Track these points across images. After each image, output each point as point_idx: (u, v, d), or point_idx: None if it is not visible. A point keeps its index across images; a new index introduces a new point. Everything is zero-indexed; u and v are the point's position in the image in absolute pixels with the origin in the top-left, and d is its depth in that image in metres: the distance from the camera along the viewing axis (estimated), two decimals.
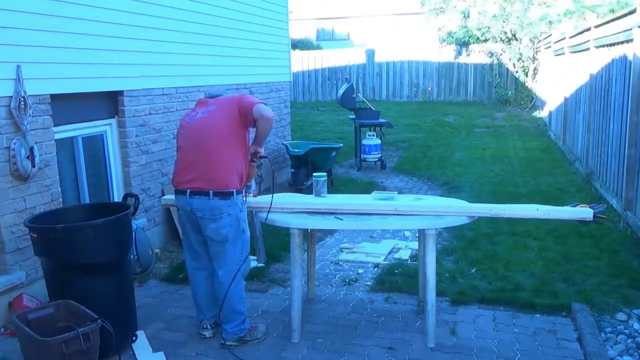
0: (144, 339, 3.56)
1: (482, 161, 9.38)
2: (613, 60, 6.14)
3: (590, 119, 7.30)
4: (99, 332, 2.87)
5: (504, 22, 16.44)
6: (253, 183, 3.74)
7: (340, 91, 9.44)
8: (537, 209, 3.47)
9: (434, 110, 15.99)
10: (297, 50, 20.25)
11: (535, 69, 16.11)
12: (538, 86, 15.54)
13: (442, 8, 18.09)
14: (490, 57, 17.18)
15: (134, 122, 4.92)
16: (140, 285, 4.43)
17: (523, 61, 16.36)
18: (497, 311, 3.88)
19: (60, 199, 4.14)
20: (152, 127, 5.17)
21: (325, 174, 3.97)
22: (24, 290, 3.78)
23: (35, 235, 3.20)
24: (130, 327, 3.49)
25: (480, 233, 5.46)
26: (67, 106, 4.25)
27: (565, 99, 9.55)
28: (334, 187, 7.59)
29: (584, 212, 3.37)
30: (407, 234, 5.71)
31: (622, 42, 5.72)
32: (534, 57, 16.09)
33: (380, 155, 9.18)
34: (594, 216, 3.35)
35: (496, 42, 16.97)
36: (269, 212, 3.52)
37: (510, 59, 16.63)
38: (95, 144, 4.73)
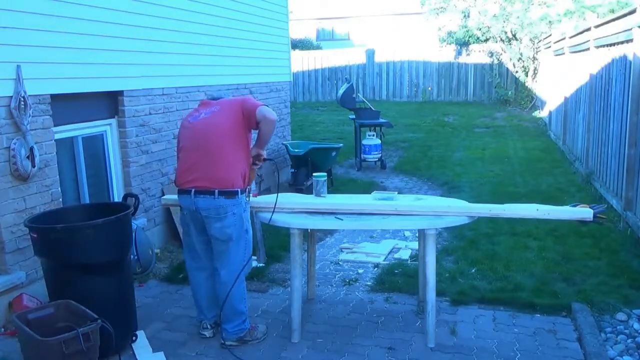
0: (144, 339, 3.56)
1: (482, 161, 9.38)
2: (613, 60, 6.14)
3: (590, 119, 7.30)
4: (99, 332, 2.87)
5: (504, 22, 16.44)
6: (253, 183, 3.74)
7: (340, 91, 9.44)
8: (537, 209, 3.47)
9: (434, 110, 15.99)
10: (297, 50, 20.25)
11: (535, 69, 16.11)
12: (538, 86, 15.54)
13: (442, 8, 18.08)
14: (491, 57, 17.18)
15: (134, 122, 4.92)
16: (140, 285, 4.43)
17: (523, 61, 16.36)
18: (497, 311, 3.88)
19: (60, 199, 4.14)
20: (152, 127, 5.17)
21: (325, 174, 3.97)
22: (24, 290, 3.78)
23: (35, 235, 3.21)
24: (130, 327, 3.49)
25: (480, 233, 5.46)
26: (67, 106, 4.25)
27: (565, 99, 9.55)
28: (334, 187, 7.59)
29: (584, 212, 3.37)
30: (407, 234, 5.71)
31: (622, 42, 5.72)
32: (534, 57, 16.09)
33: (380, 155, 9.18)
34: (594, 216, 3.35)
35: (496, 42, 16.97)
36: (273, 212, 3.52)
37: (510, 59, 16.63)
38: (95, 144, 4.73)
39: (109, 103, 4.76)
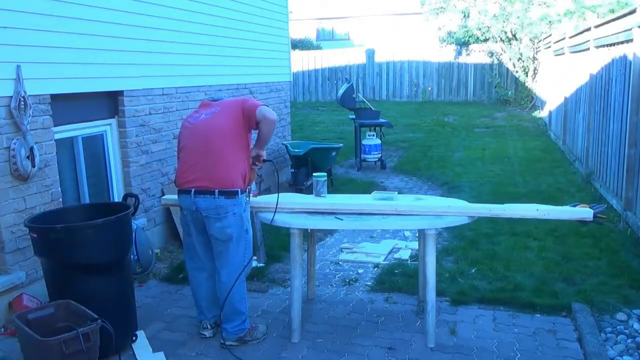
0: (144, 339, 3.56)
1: (482, 161, 9.38)
2: (613, 60, 6.14)
3: (590, 119, 7.30)
4: (99, 332, 2.87)
5: (504, 22, 16.43)
6: (253, 183, 3.74)
7: (340, 91, 9.44)
8: (537, 209, 3.47)
9: (434, 110, 15.99)
10: (297, 50, 20.25)
11: (535, 69, 16.11)
12: (538, 86, 15.54)
13: (442, 8, 18.07)
14: (490, 57, 17.18)
15: (134, 122, 4.92)
16: (140, 285, 4.43)
17: (523, 61, 16.36)
18: (497, 311, 3.88)
19: (60, 199, 4.14)
20: (152, 127, 5.17)
21: (325, 174, 3.97)
22: (24, 290, 3.78)
23: (35, 235, 3.20)
24: (130, 327, 3.49)
25: (480, 233, 5.46)
26: (67, 106, 4.25)
27: (565, 98, 9.55)
28: (334, 187, 7.59)
29: (584, 212, 3.37)
30: (407, 234, 5.71)
31: (622, 42, 5.72)
32: (534, 57, 16.09)
33: (380, 155, 9.18)
34: (594, 216, 3.34)
35: (496, 42, 16.97)
36: (275, 212, 3.52)
37: (510, 59, 16.63)
38: (95, 144, 4.73)
39: (109, 103, 4.76)
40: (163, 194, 5.24)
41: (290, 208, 3.67)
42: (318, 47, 23.10)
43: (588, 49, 7.46)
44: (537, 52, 15.95)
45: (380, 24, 26.86)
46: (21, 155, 3.68)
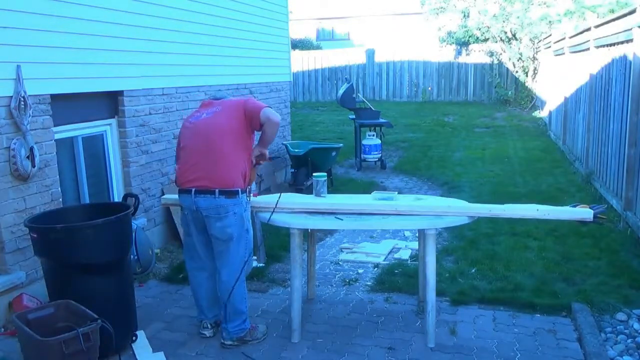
0: (144, 339, 3.56)
1: (482, 161, 9.38)
2: (613, 60, 6.14)
3: (590, 119, 7.30)
4: (99, 332, 2.87)
5: (504, 22, 16.43)
6: (253, 183, 3.74)
7: (340, 91, 9.44)
8: (537, 209, 3.47)
9: (434, 110, 15.99)
10: (297, 50, 20.25)
11: (535, 69, 16.11)
12: (538, 86, 15.54)
13: (442, 8, 18.07)
14: (490, 57, 17.18)
15: (134, 122, 4.92)
16: (140, 285, 4.43)
17: (523, 61, 16.36)
18: (497, 311, 3.88)
19: (60, 199, 4.14)
20: (152, 127, 5.17)
21: (325, 174, 3.97)
22: (24, 290, 3.78)
23: (35, 235, 3.20)
24: (130, 327, 3.49)
25: (480, 233, 5.46)
26: (67, 106, 4.25)
27: (565, 98, 9.55)
28: (334, 187, 7.59)
29: (584, 212, 3.37)
30: (407, 234, 5.71)
31: (622, 42, 5.72)
32: (534, 57, 16.09)
33: (380, 155, 9.18)
34: (594, 216, 3.34)
35: (496, 42, 16.97)
36: (272, 212, 3.52)
37: (510, 59, 16.63)
38: (95, 144, 4.73)
39: (109, 103, 4.76)
40: (163, 194, 5.24)
41: (290, 208, 3.67)
42: (318, 47, 23.11)
43: (588, 49, 7.46)
44: (537, 52, 15.95)
45: (380, 24, 26.86)
46: (21, 155, 3.68)
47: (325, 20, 28.59)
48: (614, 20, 6.08)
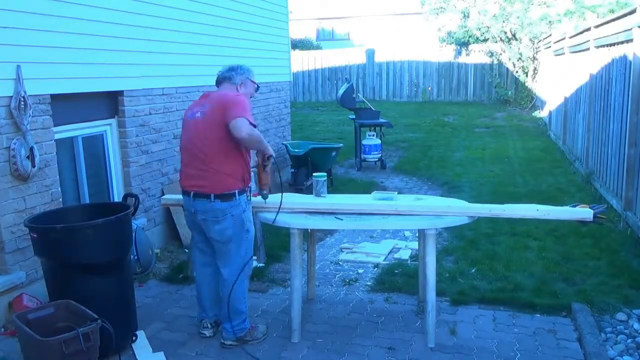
0: (144, 339, 3.56)
1: (482, 161, 9.38)
2: (613, 60, 6.14)
3: (590, 119, 7.30)
4: (99, 332, 2.87)
5: (503, 22, 16.43)
6: (253, 183, 3.73)
7: (340, 91, 9.44)
8: (537, 209, 3.47)
9: (434, 110, 15.99)
10: (297, 50, 20.25)
11: (535, 69, 16.11)
12: (538, 86, 15.55)
13: (442, 8, 18.08)
14: (490, 57, 17.18)
15: (134, 122, 4.92)
16: (140, 285, 4.43)
17: (523, 61, 16.36)
18: (497, 311, 3.88)
19: (60, 199, 4.14)
20: (152, 127, 5.17)
21: (325, 174, 3.97)
22: (24, 290, 3.78)
23: (35, 235, 3.20)
24: (130, 327, 3.49)
25: (480, 233, 5.46)
26: (67, 106, 4.25)
27: (565, 99, 9.55)
28: (334, 187, 7.59)
29: (584, 212, 3.37)
30: (407, 234, 5.71)
31: (622, 42, 5.72)
32: (534, 57, 16.09)
33: (380, 155, 9.18)
34: (594, 216, 3.34)
35: (496, 42, 16.97)
36: (277, 213, 3.50)
37: (510, 59, 16.64)
38: (95, 144, 4.73)
39: (109, 103, 4.76)
40: (163, 194, 5.24)
41: (290, 208, 3.67)
42: (318, 47, 23.11)
43: (588, 49, 7.46)
44: (537, 52, 15.95)
45: (380, 24, 26.86)
46: (21, 155, 3.68)
47: (325, 20, 28.59)
48: (614, 20, 6.08)
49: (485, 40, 17.27)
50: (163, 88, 5.29)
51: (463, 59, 17.76)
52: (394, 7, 26.41)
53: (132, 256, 3.87)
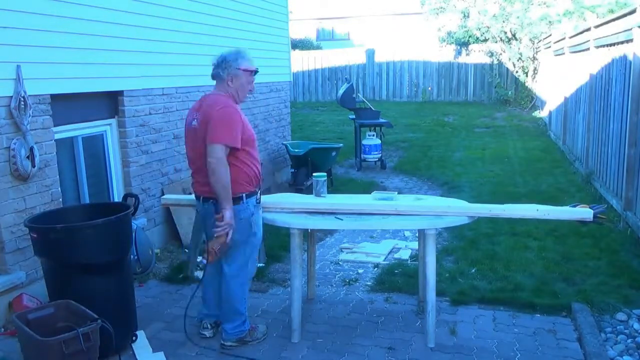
0: (144, 339, 3.56)
1: (482, 161, 9.38)
2: (613, 60, 6.14)
3: (590, 118, 7.30)
4: (99, 332, 2.87)
5: (503, 22, 16.44)
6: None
7: (340, 91, 9.44)
8: (537, 209, 3.47)
9: (434, 110, 15.99)
10: (297, 50, 20.26)
11: (535, 69, 16.12)
12: (538, 86, 15.55)
13: (442, 8, 18.09)
14: (490, 57, 17.19)
15: (134, 122, 4.92)
16: (140, 285, 4.43)
17: (523, 61, 16.37)
18: (497, 311, 3.88)
19: (60, 199, 4.14)
20: (152, 127, 5.17)
21: (325, 174, 3.97)
22: (24, 290, 3.78)
23: (35, 235, 3.20)
24: (130, 327, 3.49)
25: (480, 233, 5.46)
26: (67, 106, 4.25)
27: (565, 99, 9.55)
28: (334, 187, 7.59)
29: (584, 212, 3.37)
30: (407, 234, 5.71)
31: (622, 42, 5.72)
32: (534, 57, 16.10)
33: (380, 155, 9.18)
34: (594, 216, 3.34)
35: (496, 42, 16.98)
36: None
37: (510, 59, 16.64)
38: (95, 144, 4.73)
39: (109, 103, 4.76)
40: (163, 194, 5.23)
41: (290, 208, 3.67)
42: (318, 47, 23.11)
43: (588, 49, 7.47)
44: (537, 52, 15.96)
45: (380, 24, 26.86)
46: (21, 155, 3.68)
47: (325, 20, 28.59)
48: (614, 20, 6.09)
49: (485, 40, 17.28)
50: (163, 88, 5.29)
51: (463, 59, 17.77)
52: (394, 7, 26.41)
53: (132, 256, 3.87)
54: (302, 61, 19.15)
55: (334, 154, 7.86)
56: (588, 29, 7.50)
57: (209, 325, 3.60)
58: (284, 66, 8.32)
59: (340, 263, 4.95)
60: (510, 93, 16.77)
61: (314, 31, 28.19)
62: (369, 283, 4.46)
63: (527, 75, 16.45)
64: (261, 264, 4.84)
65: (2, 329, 3.64)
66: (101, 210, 3.53)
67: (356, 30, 27.88)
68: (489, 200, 6.19)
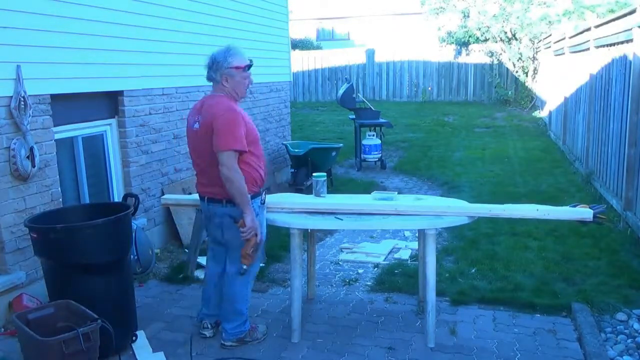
0: (144, 339, 3.56)
1: (482, 161, 9.38)
2: (613, 60, 6.14)
3: (590, 118, 7.30)
4: (99, 332, 2.87)
5: (503, 22, 16.45)
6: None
7: (340, 91, 9.44)
8: (537, 209, 3.47)
9: (434, 110, 15.99)
10: (297, 50, 20.26)
11: (535, 69, 16.12)
12: (538, 86, 15.55)
13: (442, 8, 18.09)
14: (490, 57, 17.19)
15: (134, 122, 4.92)
16: (140, 285, 4.43)
17: (523, 61, 16.37)
18: (497, 311, 3.88)
19: (60, 199, 4.14)
20: (152, 127, 5.17)
21: (325, 174, 3.97)
22: (24, 290, 3.78)
23: (35, 235, 3.20)
24: (130, 327, 3.49)
25: (480, 233, 5.46)
26: (67, 106, 4.25)
27: (565, 98, 9.55)
28: (334, 187, 7.59)
29: (583, 212, 3.37)
30: (407, 234, 5.71)
31: (622, 42, 5.72)
32: (534, 57, 16.10)
33: (380, 155, 9.18)
34: (594, 216, 3.35)
35: (496, 42, 16.98)
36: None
37: (510, 59, 16.64)
38: (95, 144, 4.73)
39: (109, 103, 4.76)
40: (163, 194, 5.23)
41: (290, 208, 3.67)
42: (318, 47, 23.11)
43: (588, 49, 7.47)
44: (537, 52, 15.96)
45: (380, 24, 26.86)
46: (21, 155, 3.68)
47: (325, 20, 28.59)
48: (613, 20, 6.09)
49: (485, 40, 17.28)
50: (163, 88, 5.29)
51: (463, 59, 17.77)
52: (394, 7, 26.41)
53: (132, 256, 3.87)
54: (302, 61, 19.15)
55: (334, 154, 7.86)
56: (588, 29, 7.50)
57: (209, 325, 3.59)
58: (284, 66, 8.32)
59: (340, 263, 4.95)
60: (510, 93, 16.77)
61: (314, 31, 28.19)
62: (369, 283, 4.46)
63: (527, 75, 16.45)
64: (261, 264, 4.84)
65: (2, 329, 3.64)
66: (101, 210, 3.53)
67: (356, 30, 27.88)
68: (489, 200, 6.19)
